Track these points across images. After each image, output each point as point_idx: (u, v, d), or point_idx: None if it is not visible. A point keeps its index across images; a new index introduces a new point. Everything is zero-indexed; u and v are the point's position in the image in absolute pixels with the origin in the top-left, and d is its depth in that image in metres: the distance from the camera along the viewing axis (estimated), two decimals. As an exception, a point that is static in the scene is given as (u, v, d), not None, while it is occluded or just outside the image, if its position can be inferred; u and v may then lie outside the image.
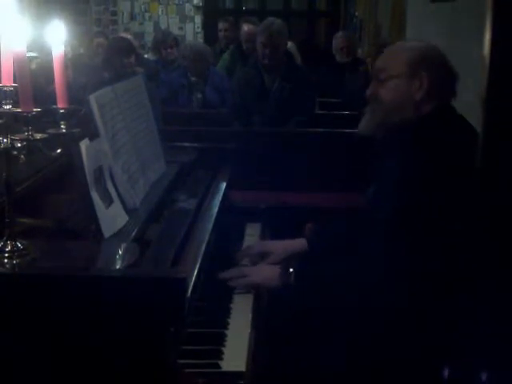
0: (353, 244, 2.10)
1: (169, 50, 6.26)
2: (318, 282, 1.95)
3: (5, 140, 1.43)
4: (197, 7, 9.23)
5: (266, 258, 2.23)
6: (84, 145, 1.73)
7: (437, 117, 1.97)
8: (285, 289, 1.96)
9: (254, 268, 2.12)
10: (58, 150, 1.58)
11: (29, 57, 1.44)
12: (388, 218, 1.88)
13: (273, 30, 4.31)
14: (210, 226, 2.08)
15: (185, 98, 5.11)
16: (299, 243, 2.29)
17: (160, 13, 9.25)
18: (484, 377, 1.24)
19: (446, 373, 1.64)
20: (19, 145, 1.45)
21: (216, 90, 5.09)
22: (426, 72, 1.96)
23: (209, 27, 9.13)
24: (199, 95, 5.10)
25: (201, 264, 1.80)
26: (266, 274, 2.02)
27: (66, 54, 1.51)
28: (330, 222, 2.40)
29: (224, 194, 2.45)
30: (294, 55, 4.94)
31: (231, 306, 1.94)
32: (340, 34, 6.18)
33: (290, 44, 5.28)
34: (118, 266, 1.62)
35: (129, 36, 6.44)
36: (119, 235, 1.76)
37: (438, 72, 1.99)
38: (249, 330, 1.81)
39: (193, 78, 5.06)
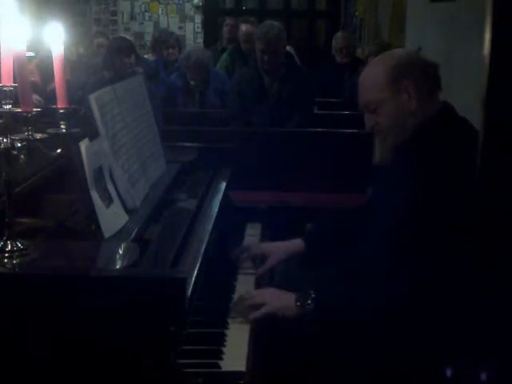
0: (352, 243, 2.10)
1: (170, 50, 6.22)
2: (338, 311, 1.89)
3: (5, 140, 1.43)
4: (197, 7, 9.23)
5: (265, 260, 2.24)
6: (84, 145, 1.73)
7: (439, 119, 1.95)
8: (303, 318, 1.88)
9: (267, 294, 1.98)
10: (58, 150, 1.58)
11: (28, 57, 1.44)
12: (395, 223, 1.86)
13: (270, 36, 4.29)
14: (209, 226, 2.08)
15: (182, 100, 5.09)
16: (297, 244, 2.28)
17: (160, 13, 9.24)
18: (484, 377, 1.24)
19: (448, 372, 1.63)
20: (19, 145, 1.45)
21: (218, 93, 5.07)
22: (407, 81, 1.93)
23: (209, 27, 9.14)
24: (197, 97, 5.08)
25: (201, 264, 1.80)
26: (282, 302, 1.92)
27: (70, 55, 1.52)
28: (329, 222, 2.40)
29: (224, 194, 2.45)
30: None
31: (231, 305, 1.94)
32: (340, 34, 6.16)
33: (288, 48, 5.26)
34: (118, 266, 1.63)
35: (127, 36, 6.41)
36: (119, 235, 1.76)
37: (418, 74, 1.95)
38: (249, 330, 1.81)
39: (192, 82, 5.04)
